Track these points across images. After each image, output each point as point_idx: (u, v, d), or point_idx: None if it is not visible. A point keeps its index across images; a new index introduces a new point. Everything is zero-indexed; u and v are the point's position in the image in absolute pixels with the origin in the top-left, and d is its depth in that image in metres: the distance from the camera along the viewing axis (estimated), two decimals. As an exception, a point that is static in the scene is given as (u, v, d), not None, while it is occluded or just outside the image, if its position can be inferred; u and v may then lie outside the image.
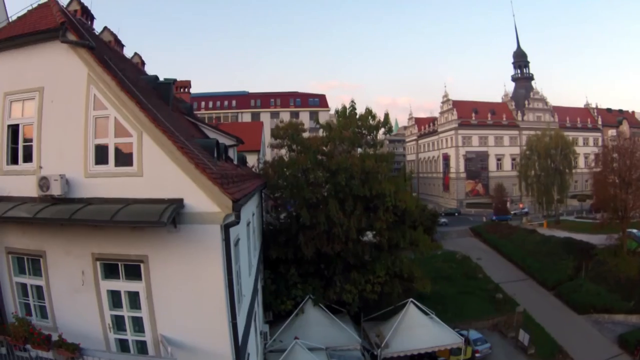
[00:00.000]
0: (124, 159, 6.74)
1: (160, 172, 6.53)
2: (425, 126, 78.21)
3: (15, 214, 6.47)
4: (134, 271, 6.89)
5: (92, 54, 6.96)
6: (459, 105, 65.87)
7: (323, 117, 59.31)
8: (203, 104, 61.09)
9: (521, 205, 46.78)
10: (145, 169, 6.63)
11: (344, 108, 20.58)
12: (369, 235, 20.38)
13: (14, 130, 7.54)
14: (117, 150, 6.80)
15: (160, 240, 6.51)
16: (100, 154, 6.85)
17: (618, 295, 25.99)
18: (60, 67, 7.18)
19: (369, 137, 20.07)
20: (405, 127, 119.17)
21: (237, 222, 6.42)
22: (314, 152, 18.04)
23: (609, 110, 78.59)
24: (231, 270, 7.02)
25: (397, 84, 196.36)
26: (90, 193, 6.80)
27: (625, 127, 76.03)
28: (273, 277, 18.20)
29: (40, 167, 7.14)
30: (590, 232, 32.71)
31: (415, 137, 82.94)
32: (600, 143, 73.18)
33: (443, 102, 68.99)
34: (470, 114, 64.39)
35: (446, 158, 66.38)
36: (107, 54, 8.96)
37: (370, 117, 20.19)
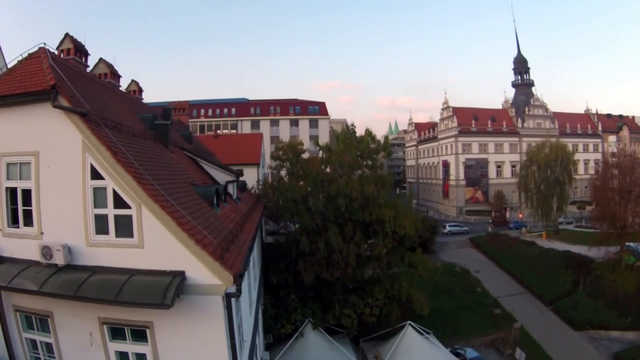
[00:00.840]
0: (124, 230, 6.84)
1: (161, 245, 6.67)
2: (425, 132, 78.34)
3: (20, 284, 6.65)
4: (140, 334, 7.09)
5: (85, 121, 6.92)
6: (459, 112, 65.95)
7: (323, 125, 59.60)
8: (203, 111, 61.11)
9: (520, 216, 46.98)
10: (146, 241, 6.76)
11: (344, 131, 20.71)
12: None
13: (13, 191, 7.57)
14: (117, 221, 6.88)
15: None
16: (101, 224, 6.95)
17: (615, 311, 26.15)
18: (54, 131, 7.12)
19: (369, 160, 20.20)
20: (405, 131, 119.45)
21: (238, 295, 6.59)
22: (314, 177, 18.20)
23: (609, 115, 78.77)
24: (233, 333, 7.18)
25: (397, 84, 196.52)
26: (93, 261, 6.95)
27: (625, 132, 76.33)
28: (273, 302, 18.41)
29: (42, 233, 7.28)
30: (589, 244, 32.74)
31: (415, 143, 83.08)
32: (600, 149, 73.41)
33: (443, 109, 69.09)
34: (470, 121, 64.50)
35: (446, 165, 66.52)
36: (100, 101, 8.97)
37: (370, 139, 20.32)
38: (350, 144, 19.53)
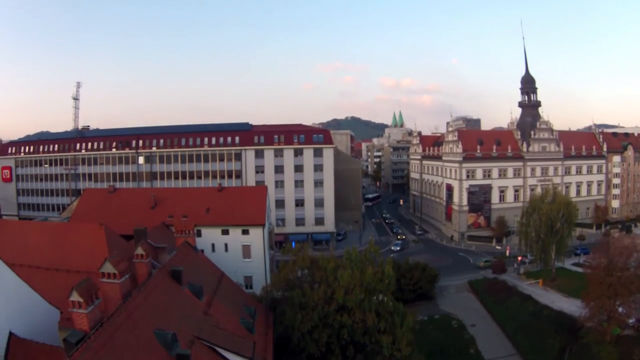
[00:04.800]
0: None
1: None
2: (430, 148, 78.07)
3: None
4: None
5: None
6: (464, 135, 65.67)
7: (327, 154, 59.68)
8: (206, 140, 61.07)
9: (520, 259, 48.34)
10: None
11: (349, 264, 21.66)
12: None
13: None
14: None
15: None
16: None
17: (592, 387, 27.67)
18: None
19: (374, 292, 21.27)
20: (409, 133, 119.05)
21: None
22: (318, 313, 19.48)
23: (614, 134, 78.21)
24: None
25: (401, 65, 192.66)
26: None
27: (630, 152, 75.90)
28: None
29: None
30: (582, 310, 33.71)
31: (419, 157, 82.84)
32: (604, 170, 73.36)
33: (449, 132, 68.68)
34: (475, 146, 64.31)
35: (449, 189, 66.95)
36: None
37: (372, 274, 21.23)
38: (354, 278, 20.58)
